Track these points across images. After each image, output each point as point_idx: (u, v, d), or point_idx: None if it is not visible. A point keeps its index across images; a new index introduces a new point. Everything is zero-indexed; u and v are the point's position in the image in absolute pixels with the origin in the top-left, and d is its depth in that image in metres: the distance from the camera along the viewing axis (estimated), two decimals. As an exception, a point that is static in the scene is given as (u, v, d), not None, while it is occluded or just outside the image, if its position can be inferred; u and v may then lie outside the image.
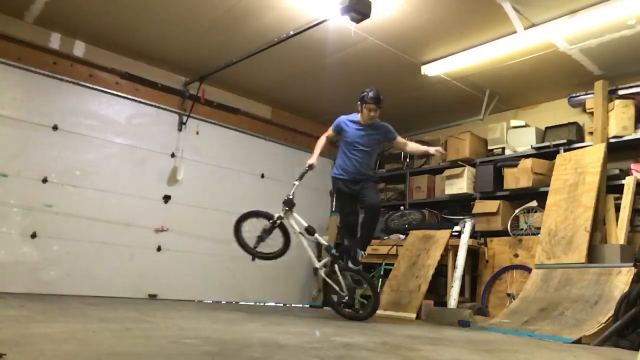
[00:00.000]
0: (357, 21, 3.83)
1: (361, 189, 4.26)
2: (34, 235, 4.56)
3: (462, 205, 5.77)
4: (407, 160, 6.64)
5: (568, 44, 4.38)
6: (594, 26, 4.02)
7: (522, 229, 4.96)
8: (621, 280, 3.71)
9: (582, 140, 5.01)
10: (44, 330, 2.21)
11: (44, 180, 4.67)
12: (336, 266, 4.05)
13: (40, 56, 4.74)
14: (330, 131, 4.47)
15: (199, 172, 5.70)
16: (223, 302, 5.44)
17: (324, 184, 7.04)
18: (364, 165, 4.28)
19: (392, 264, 5.52)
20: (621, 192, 4.43)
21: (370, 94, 4.15)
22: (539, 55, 4.59)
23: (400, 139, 4.45)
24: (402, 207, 6.30)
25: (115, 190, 5.08)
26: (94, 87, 5.07)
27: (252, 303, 5.78)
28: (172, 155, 5.53)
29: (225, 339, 2.34)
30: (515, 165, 5.14)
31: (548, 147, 5.09)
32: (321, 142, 4.42)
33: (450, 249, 5.16)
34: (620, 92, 4.79)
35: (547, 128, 5.37)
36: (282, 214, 4.17)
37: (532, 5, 3.88)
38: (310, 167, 4.23)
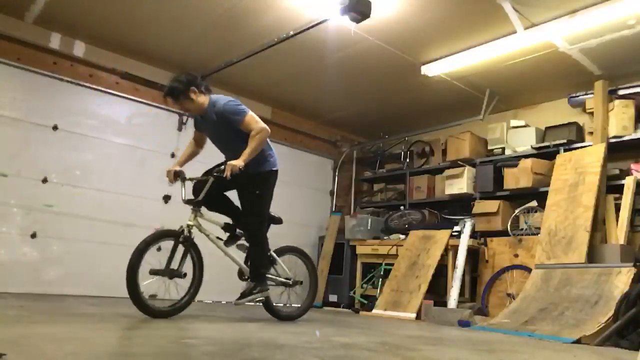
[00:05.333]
0: (357, 21, 3.83)
1: None
2: (34, 235, 4.56)
3: (462, 205, 5.77)
4: (407, 160, 6.65)
5: (568, 44, 4.38)
6: (594, 26, 4.01)
7: (522, 229, 4.95)
8: (621, 280, 3.70)
9: (582, 140, 5.01)
10: (44, 330, 2.21)
11: (44, 180, 4.67)
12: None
13: (40, 56, 4.74)
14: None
15: (199, 172, 5.68)
16: (223, 302, 5.44)
17: (324, 184, 7.06)
18: None
19: (392, 264, 5.53)
20: (621, 192, 4.43)
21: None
22: (539, 55, 4.59)
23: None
24: (402, 207, 6.30)
25: (115, 190, 5.08)
26: (94, 87, 5.07)
27: (252, 303, 5.76)
28: (172, 155, 5.52)
29: (225, 339, 2.34)
30: (515, 165, 5.14)
31: (548, 147, 5.09)
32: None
33: (450, 249, 5.16)
34: (620, 92, 4.79)
35: (547, 128, 5.37)
36: (190, 222, 3.25)
37: (532, 5, 3.88)
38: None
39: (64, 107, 4.85)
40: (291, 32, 4.32)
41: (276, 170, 3.54)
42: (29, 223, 4.54)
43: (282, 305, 3.84)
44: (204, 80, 3.46)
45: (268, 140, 3.45)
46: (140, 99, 5.36)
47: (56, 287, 4.58)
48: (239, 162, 3.13)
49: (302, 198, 6.61)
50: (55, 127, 4.79)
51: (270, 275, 3.60)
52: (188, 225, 3.23)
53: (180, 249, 3.17)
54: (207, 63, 5.21)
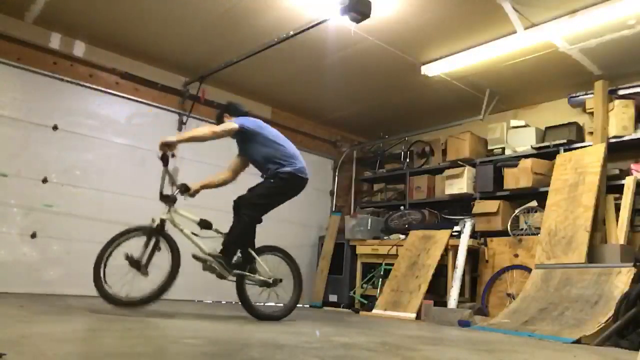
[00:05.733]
0: (357, 21, 3.83)
1: None
2: (34, 235, 4.55)
3: (462, 205, 5.77)
4: (407, 160, 6.65)
5: (568, 44, 4.38)
6: (594, 26, 4.02)
7: (522, 229, 4.95)
8: (621, 280, 3.70)
9: (582, 140, 5.01)
10: (44, 330, 2.21)
11: (44, 180, 4.67)
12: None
13: (40, 56, 4.74)
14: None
15: (199, 172, 5.64)
16: (223, 302, 5.44)
17: (324, 184, 7.05)
18: None
19: (392, 264, 5.52)
20: (621, 192, 4.43)
21: None
22: (539, 55, 4.59)
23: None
24: (402, 207, 6.30)
25: (115, 190, 5.08)
26: (94, 87, 5.07)
27: (252, 303, 5.76)
28: (172, 155, 5.51)
29: (225, 339, 2.34)
30: (515, 165, 5.14)
31: (548, 147, 5.09)
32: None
33: (450, 249, 5.16)
34: (620, 92, 4.79)
35: (547, 128, 5.37)
36: (163, 215, 3.46)
37: (532, 5, 3.88)
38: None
39: (64, 107, 4.85)
40: (291, 32, 4.32)
41: (298, 176, 3.69)
42: (29, 223, 4.54)
43: (263, 304, 3.79)
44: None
45: (295, 151, 3.79)
46: (140, 99, 5.36)
47: (56, 287, 4.58)
48: (170, 137, 3.58)
49: (302, 198, 6.49)
50: (55, 127, 4.78)
51: (248, 274, 3.65)
52: (161, 219, 3.43)
53: (150, 241, 3.36)
54: (207, 63, 5.21)
